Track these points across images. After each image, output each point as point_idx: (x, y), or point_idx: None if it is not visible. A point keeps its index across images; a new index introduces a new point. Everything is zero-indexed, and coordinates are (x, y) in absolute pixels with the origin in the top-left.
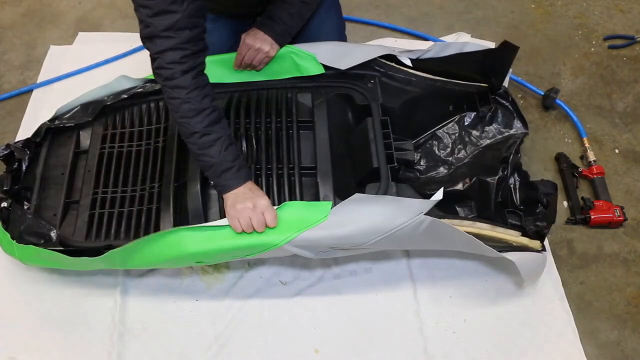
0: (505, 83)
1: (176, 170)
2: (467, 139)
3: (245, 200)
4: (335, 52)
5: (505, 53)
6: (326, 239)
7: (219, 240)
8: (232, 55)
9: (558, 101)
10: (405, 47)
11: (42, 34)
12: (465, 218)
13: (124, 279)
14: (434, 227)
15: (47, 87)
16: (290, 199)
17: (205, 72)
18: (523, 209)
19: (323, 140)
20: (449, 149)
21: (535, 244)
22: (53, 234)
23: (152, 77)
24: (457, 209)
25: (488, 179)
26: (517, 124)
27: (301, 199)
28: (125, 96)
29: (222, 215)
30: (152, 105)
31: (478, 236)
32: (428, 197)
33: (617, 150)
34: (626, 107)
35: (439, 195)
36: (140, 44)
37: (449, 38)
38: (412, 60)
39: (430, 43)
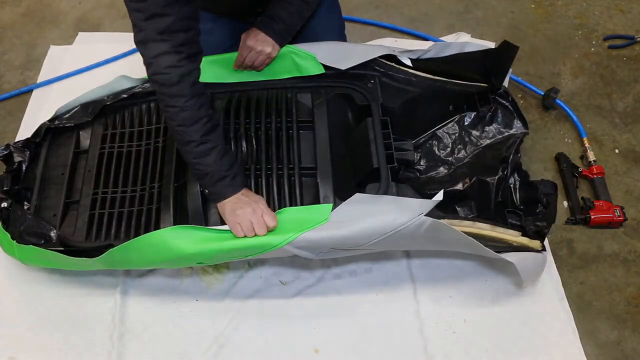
0: (505, 83)
1: (176, 171)
2: (467, 139)
3: (244, 206)
4: (335, 52)
5: (505, 53)
6: (327, 240)
7: (219, 241)
8: (232, 55)
9: (558, 101)
10: (405, 47)
11: (42, 34)
12: (465, 218)
13: (124, 279)
14: (435, 229)
15: (47, 87)
16: (290, 199)
17: (205, 71)
18: (523, 209)
19: (323, 140)
20: (449, 149)
21: (535, 243)
22: (53, 234)
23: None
24: (457, 208)
25: (488, 179)
26: (517, 123)
27: (301, 199)
28: (125, 96)
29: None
30: (152, 105)
31: (478, 236)
32: (428, 197)
33: (617, 150)
34: (626, 107)
35: (439, 196)
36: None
37: (449, 38)
38: (412, 60)
39: (430, 43)
